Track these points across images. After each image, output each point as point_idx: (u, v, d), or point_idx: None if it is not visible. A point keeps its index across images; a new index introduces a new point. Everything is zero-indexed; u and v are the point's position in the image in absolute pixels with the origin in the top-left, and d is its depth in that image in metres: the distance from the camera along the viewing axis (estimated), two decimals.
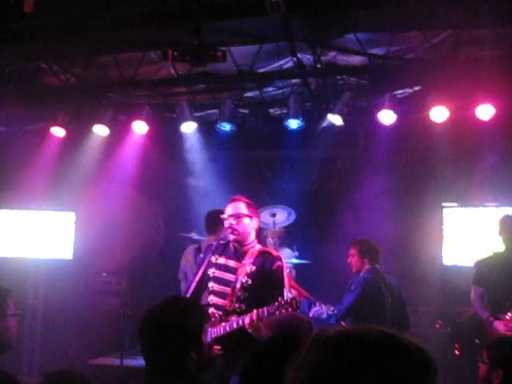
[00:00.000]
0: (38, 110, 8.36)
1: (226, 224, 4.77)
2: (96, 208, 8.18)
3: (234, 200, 4.83)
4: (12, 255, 8.24)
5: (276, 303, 4.20)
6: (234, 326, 4.41)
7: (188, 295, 4.62)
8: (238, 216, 4.71)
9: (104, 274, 8.32)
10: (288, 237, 8.14)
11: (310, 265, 7.75)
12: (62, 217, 8.35)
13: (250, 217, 4.76)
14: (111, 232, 8.16)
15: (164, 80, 7.66)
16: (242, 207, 4.76)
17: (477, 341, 5.96)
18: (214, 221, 6.56)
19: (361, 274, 6.41)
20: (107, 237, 8.12)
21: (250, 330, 4.30)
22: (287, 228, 8.04)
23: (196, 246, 6.75)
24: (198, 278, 4.68)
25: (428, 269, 7.76)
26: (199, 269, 4.81)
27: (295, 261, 7.73)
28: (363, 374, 1.23)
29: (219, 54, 5.84)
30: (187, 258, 6.78)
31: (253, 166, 8.76)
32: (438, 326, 7.17)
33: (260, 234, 7.51)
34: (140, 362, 6.95)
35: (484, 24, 6.17)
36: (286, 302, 4.19)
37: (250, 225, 4.78)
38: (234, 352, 4.39)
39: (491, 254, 6.40)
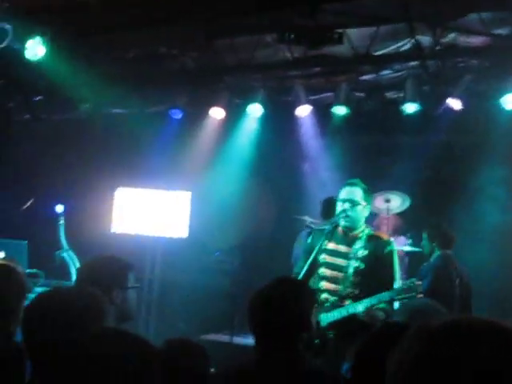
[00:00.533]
0: (157, 92, 8.68)
1: (339, 207, 4.73)
2: (211, 188, 8.37)
3: (350, 184, 4.76)
4: (132, 232, 8.62)
5: (396, 288, 4.16)
6: (350, 310, 4.40)
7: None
8: (352, 202, 4.64)
9: (217, 253, 8.53)
10: (402, 224, 7.99)
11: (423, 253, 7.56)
12: (179, 196, 8.62)
13: (363, 204, 4.70)
14: (225, 212, 8.33)
15: (279, 63, 7.68)
16: (357, 193, 4.69)
17: None
18: (330, 208, 6.56)
19: (431, 259, 6.24)
20: (221, 217, 8.30)
21: (365, 318, 4.28)
22: (401, 215, 7.89)
23: (309, 230, 6.76)
24: (309, 263, 4.66)
25: None
26: (309, 254, 4.79)
27: (408, 248, 7.58)
28: (474, 364, 1.17)
29: (336, 36, 5.78)
30: (300, 242, 6.82)
31: (367, 150, 8.62)
32: None
33: (373, 219, 7.46)
34: (249, 340, 7.14)
35: None
36: (409, 286, 4.13)
37: (362, 212, 4.72)
38: (346, 338, 4.38)
39: None
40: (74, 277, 6.31)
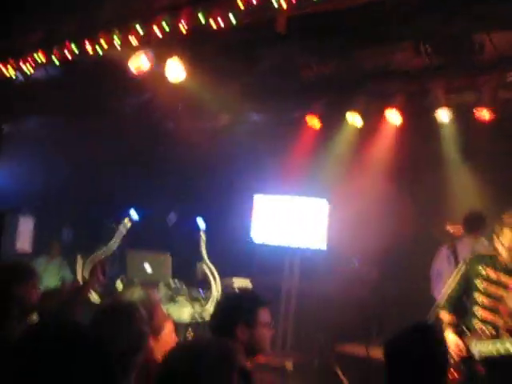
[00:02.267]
0: (294, 99, 8.72)
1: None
2: (349, 197, 8.30)
3: None
4: (271, 242, 8.76)
5: None
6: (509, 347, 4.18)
7: (441, 297, 4.48)
8: None
9: (355, 263, 8.45)
10: None
11: None
12: (316, 204, 8.63)
13: None
14: (364, 221, 8.24)
15: (417, 69, 7.43)
16: None
17: None
18: (475, 222, 6.30)
19: None
20: (360, 226, 8.22)
21: None
22: None
23: (448, 246, 6.52)
24: (456, 282, 4.47)
25: None
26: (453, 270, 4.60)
27: None
28: None
29: (476, 47, 5.48)
30: (441, 257, 6.60)
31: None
32: None
33: None
34: None
35: None
36: None
37: None
38: (499, 377, 4.23)
39: None
40: (214, 289, 6.54)
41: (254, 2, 4.90)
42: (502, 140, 8.04)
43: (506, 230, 4.43)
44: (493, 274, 4.48)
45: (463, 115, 7.77)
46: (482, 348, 4.28)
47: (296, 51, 7.51)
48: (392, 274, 8.29)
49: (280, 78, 8.15)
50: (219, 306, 3.45)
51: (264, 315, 3.29)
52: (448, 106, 7.64)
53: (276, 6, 4.90)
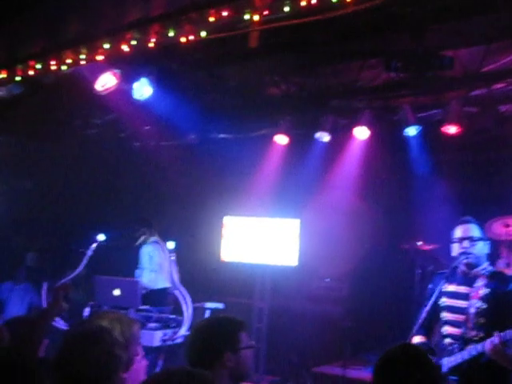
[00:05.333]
0: (261, 117, 8.67)
1: (456, 248, 4.52)
2: (320, 214, 8.25)
3: (465, 221, 4.57)
4: (241, 260, 8.65)
5: None
6: (473, 352, 4.17)
7: (417, 327, 4.44)
8: (471, 239, 4.46)
9: (327, 280, 8.41)
10: None
11: None
12: (288, 224, 8.57)
13: (482, 240, 4.51)
14: (335, 238, 8.19)
15: (384, 86, 7.46)
16: (474, 229, 4.52)
17: None
18: None
19: None
20: (330, 243, 8.17)
21: (492, 357, 4.04)
22: None
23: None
24: (427, 309, 4.45)
25: None
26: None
27: None
28: None
29: (446, 62, 5.51)
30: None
31: (481, 169, 8.20)
32: None
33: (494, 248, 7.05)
34: (363, 373, 7.00)
35: None
36: None
37: (483, 249, 4.52)
38: (470, 382, 4.21)
39: None
40: (185, 313, 6.42)
41: (225, 15, 4.82)
42: (468, 152, 8.13)
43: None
44: (453, 288, 4.51)
45: (430, 129, 7.82)
46: (450, 361, 4.29)
47: (262, 68, 7.48)
48: (364, 291, 8.24)
49: (246, 95, 8.10)
50: (199, 335, 3.17)
51: (246, 338, 3.19)
52: (415, 121, 7.68)
53: (248, 17, 4.83)
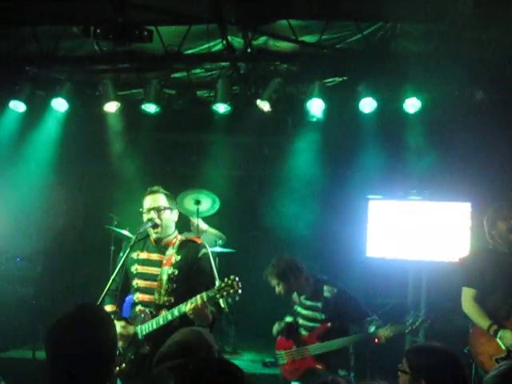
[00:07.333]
0: None
1: (146, 217, 4.59)
2: (12, 189, 7.70)
3: (152, 192, 4.65)
4: None
5: (216, 286, 4.08)
6: (169, 317, 4.26)
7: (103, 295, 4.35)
8: (158, 209, 4.56)
9: (18, 260, 7.87)
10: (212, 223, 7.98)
11: (236, 254, 7.63)
12: None
13: (170, 209, 4.63)
14: (26, 216, 7.73)
15: (86, 57, 7.26)
16: (161, 199, 4.61)
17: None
18: None
19: None
20: (22, 221, 7.69)
21: (192, 317, 4.15)
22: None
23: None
24: (113, 277, 4.36)
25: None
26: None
27: (220, 249, 7.59)
28: None
29: (145, 33, 5.51)
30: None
31: (178, 149, 8.50)
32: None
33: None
34: None
35: (416, 19, 6.15)
36: (227, 283, 4.06)
37: (171, 217, 4.64)
38: None
39: (478, 249, 5.38)
40: None
41: None
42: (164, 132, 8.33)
43: None
44: (145, 255, 4.61)
45: (130, 108, 7.82)
46: (144, 328, 4.37)
47: None
48: (58, 269, 7.94)
49: None
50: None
51: None
52: (116, 98, 7.60)
53: None
